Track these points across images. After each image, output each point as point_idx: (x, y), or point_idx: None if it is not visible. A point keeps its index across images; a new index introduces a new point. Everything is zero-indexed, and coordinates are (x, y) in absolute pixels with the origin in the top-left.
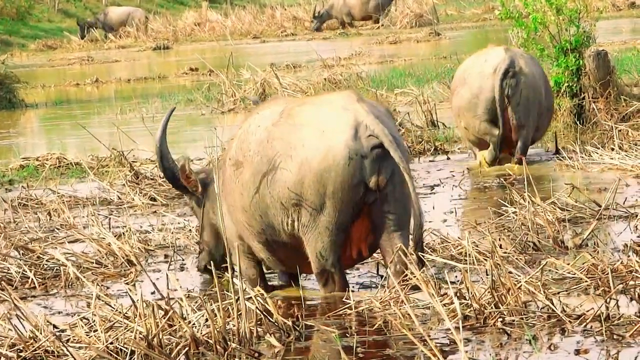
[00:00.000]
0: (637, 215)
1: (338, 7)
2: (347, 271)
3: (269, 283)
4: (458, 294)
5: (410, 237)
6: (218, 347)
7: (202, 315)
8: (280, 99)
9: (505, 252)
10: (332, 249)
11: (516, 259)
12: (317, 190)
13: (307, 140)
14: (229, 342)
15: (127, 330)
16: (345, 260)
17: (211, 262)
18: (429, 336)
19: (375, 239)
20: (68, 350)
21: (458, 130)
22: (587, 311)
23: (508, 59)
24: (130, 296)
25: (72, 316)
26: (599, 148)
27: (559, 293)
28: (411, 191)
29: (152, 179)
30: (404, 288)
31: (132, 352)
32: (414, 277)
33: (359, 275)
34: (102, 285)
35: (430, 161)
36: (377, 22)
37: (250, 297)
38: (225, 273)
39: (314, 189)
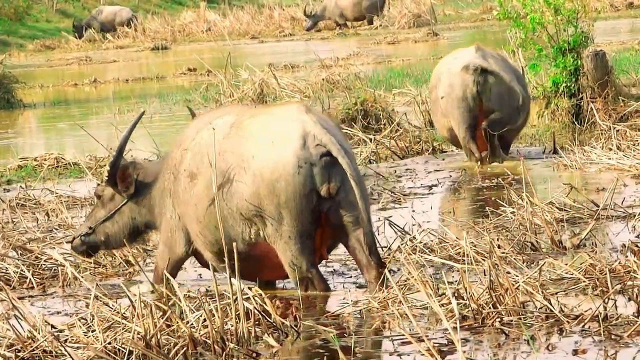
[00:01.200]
0: (635, 216)
1: (330, 9)
2: (346, 272)
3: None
4: (456, 294)
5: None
6: (216, 347)
7: (200, 316)
8: (230, 108)
9: (503, 252)
10: (302, 256)
11: (514, 259)
12: (272, 201)
13: (257, 152)
14: (227, 342)
15: (125, 331)
16: None
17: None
18: (427, 336)
19: (334, 243)
20: (66, 351)
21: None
22: (585, 311)
23: (478, 57)
24: (128, 296)
25: (70, 316)
26: (597, 148)
27: (557, 293)
28: (358, 198)
29: None
30: (401, 288)
31: (130, 352)
32: (412, 277)
33: (356, 276)
34: (100, 285)
35: (427, 161)
36: (371, 22)
37: (249, 297)
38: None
39: (270, 200)
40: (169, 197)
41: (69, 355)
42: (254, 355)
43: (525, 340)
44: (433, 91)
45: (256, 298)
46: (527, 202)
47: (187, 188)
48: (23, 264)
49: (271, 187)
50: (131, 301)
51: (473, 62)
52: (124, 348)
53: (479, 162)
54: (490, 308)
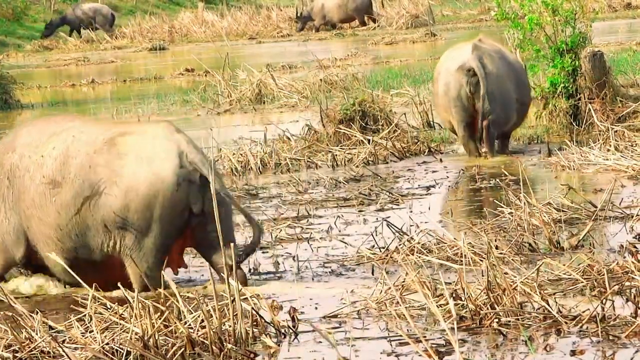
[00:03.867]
0: (632, 216)
1: (316, 11)
2: (344, 272)
3: None
4: (454, 295)
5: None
6: (214, 347)
7: (198, 316)
8: (71, 117)
9: (501, 253)
10: (157, 267)
11: (512, 259)
12: (144, 215)
13: (132, 168)
14: (224, 343)
15: (123, 331)
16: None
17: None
18: (425, 337)
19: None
20: (64, 351)
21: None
22: (583, 312)
23: (473, 57)
24: (126, 297)
25: (68, 317)
26: (594, 149)
27: (554, 294)
28: (221, 217)
29: None
30: (399, 289)
31: (128, 353)
32: (410, 278)
33: (353, 277)
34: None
35: (425, 162)
36: (364, 24)
37: (246, 298)
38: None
39: (141, 214)
40: (0, 201)
41: (67, 355)
42: (252, 355)
43: (523, 340)
44: (435, 84)
45: (254, 299)
46: (524, 203)
47: (47, 195)
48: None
49: (146, 202)
50: (129, 302)
51: (467, 64)
52: (122, 349)
53: (478, 156)
54: (488, 309)
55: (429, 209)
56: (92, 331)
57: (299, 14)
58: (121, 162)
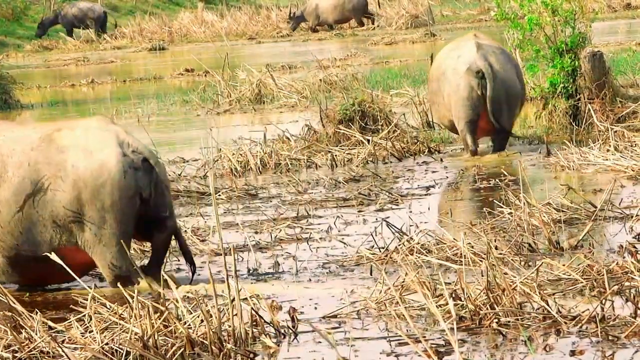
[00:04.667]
0: (632, 217)
1: (310, 11)
2: (342, 272)
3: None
4: (453, 295)
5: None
6: (213, 347)
7: (198, 316)
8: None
9: (500, 253)
10: (122, 256)
11: (511, 260)
12: (95, 206)
13: (75, 161)
14: (224, 343)
15: (123, 331)
16: None
17: None
18: (424, 337)
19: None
20: (64, 351)
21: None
22: (583, 312)
23: (480, 57)
24: (125, 297)
25: (67, 317)
26: (594, 149)
27: (554, 294)
28: (168, 202)
29: None
30: (398, 289)
31: (128, 353)
32: (409, 278)
33: (352, 277)
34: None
35: (425, 162)
36: (362, 24)
37: (246, 298)
38: None
39: (92, 205)
40: None
41: (67, 356)
42: (251, 356)
43: (522, 341)
44: (433, 83)
45: (253, 299)
46: (524, 203)
47: None
48: None
49: (95, 193)
50: (129, 302)
51: (476, 65)
52: (122, 349)
53: (474, 151)
54: (487, 309)
55: (429, 209)
56: (92, 331)
57: (291, 14)
58: (63, 157)
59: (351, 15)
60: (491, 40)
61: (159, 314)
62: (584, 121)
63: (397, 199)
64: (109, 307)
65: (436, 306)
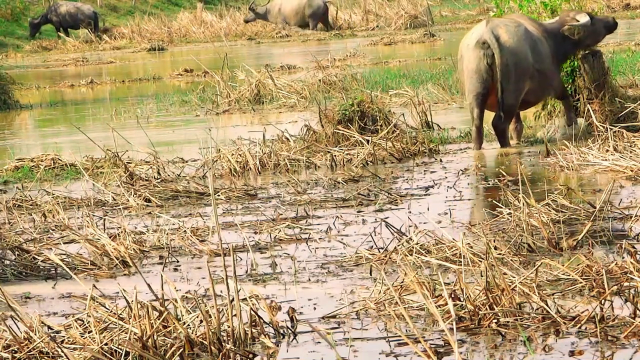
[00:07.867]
0: (631, 217)
1: (274, 13)
2: (342, 272)
3: None
4: (452, 295)
5: None
6: (213, 348)
7: (197, 317)
8: None
9: (499, 254)
10: None
11: (511, 260)
12: None
13: None
14: (223, 344)
15: (122, 332)
16: None
17: None
18: (423, 337)
19: None
20: (63, 352)
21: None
22: (582, 312)
23: (487, 30)
24: (124, 297)
25: (66, 317)
26: (593, 149)
27: (553, 294)
28: None
29: (146, 180)
30: (397, 289)
31: (127, 354)
32: (409, 279)
33: (351, 277)
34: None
35: (424, 163)
36: (314, 28)
37: (245, 299)
38: None
39: None
40: None
41: (66, 356)
42: (251, 356)
43: (521, 341)
44: (458, 65)
45: (253, 299)
46: (523, 204)
47: None
48: (20, 265)
49: None
50: (128, 302)
51: (482, 37)
52: (121, 349)
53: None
54: (486, 309)
55: (428, 209)
56: (91, 331)
57: (251, 7)
58: None
59: (310, 21)
60: (517, 17)
61: (158, 314)
62: (583, 121)
63: (396, 199)
64: (107, 307)
65: (435, 306)
